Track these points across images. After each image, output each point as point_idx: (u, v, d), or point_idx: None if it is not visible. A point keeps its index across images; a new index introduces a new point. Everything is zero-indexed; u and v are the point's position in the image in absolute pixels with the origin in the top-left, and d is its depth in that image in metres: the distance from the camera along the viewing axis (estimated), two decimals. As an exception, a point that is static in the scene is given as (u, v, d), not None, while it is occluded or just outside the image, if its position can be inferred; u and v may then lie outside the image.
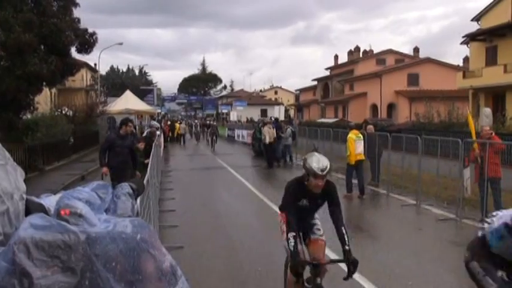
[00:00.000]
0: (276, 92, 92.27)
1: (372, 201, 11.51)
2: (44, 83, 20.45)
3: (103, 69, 75.23)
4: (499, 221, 2.83)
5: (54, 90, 33.75)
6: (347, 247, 3.86)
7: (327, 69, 61.41)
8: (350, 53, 57.26)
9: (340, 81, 53.04)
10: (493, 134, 9.26)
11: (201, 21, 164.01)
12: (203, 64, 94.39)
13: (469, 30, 30.60)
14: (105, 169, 8.64)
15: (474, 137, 9.61)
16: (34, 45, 18.03)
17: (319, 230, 4.46)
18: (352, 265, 3.80)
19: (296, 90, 75.94)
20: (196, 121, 51.39)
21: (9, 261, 1.28)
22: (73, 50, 21.31)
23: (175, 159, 23.47)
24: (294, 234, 3.91)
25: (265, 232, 8.32)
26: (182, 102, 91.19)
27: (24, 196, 1.60)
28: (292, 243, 3.84)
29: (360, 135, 12.18)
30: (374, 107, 44.39)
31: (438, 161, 10.37)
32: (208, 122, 44.47)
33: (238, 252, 7.12)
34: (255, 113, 57.48)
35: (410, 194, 11.35)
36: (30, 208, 1.60)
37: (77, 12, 21.29)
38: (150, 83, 78.01)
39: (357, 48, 56.34)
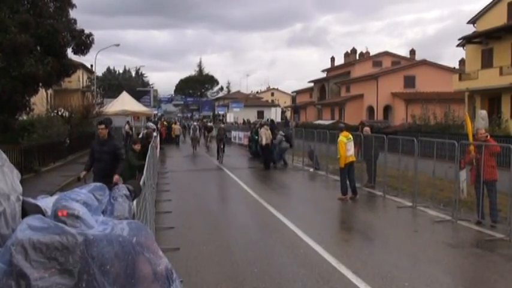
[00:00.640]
0: (272, 94, 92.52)
1: (368, 203, 11.51)
2: (40, 84, 20.35)
3: (99, 71, 75.36)
4: None
5: (50, 91, 33.64)
6: None
7: (323, 71, 61.58)
8: (346, 55, 57.46)
9: (337, 83, 53.16)
10: (488, 136, 9.29)
11: (198, 22, 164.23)
12: (200, 65, 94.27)
13: (465, 32, 30.90)
14: (82, 173, 8.29)
15: (471, 139, 9.64)
16: (30, 46, 17.98)
17: None
18: None
19: (293, 92, 76.12)
20: (194, 123, 38.45)
21: (6, 263, 1.28)
22: (69, 51, 21.28)
23: (172, 160, 23.42)
24: None
25: (261, 233, 8.33)
26: (179, 104, 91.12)
27: (21, 197, 1.59)
28: None
29: (350, 136, 12.02)
30: (370, 109, 44.51)
31: (434, 163, 10.39)
32: (210, 123, 38.59)
33: (234, 253, 7.11)
34: (251, 115, 57.42)
35: (407, 196, 11.37)
36: (27, 209, 1.59)
37: (73, 13, 21.26)
38: (146, 84, 77.65)
39: (354, 51, 56.54)
